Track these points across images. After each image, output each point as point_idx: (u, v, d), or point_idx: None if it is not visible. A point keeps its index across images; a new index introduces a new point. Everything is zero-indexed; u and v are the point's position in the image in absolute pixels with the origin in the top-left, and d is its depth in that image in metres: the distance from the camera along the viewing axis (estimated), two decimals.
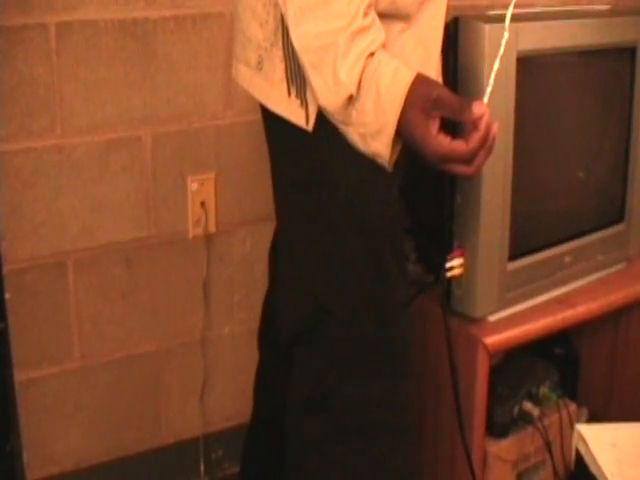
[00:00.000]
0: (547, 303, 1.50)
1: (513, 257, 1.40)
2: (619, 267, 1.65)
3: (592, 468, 1.21)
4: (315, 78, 0.98)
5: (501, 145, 1.32)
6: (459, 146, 0.95)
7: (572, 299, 1.52)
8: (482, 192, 1.31)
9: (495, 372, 1.44)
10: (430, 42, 1.08)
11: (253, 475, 1.48)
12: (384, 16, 1.01)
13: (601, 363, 1.79)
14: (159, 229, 1.65)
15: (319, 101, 0.99)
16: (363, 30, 0.96)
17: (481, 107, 0.93)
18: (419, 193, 1.46)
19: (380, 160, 1.01)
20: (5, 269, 1.51)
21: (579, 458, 1.25)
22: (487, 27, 1.25)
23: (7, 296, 1.51)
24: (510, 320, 1.43)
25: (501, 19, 1.14)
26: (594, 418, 1.75)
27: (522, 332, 1.42)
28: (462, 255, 1.36)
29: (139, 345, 1.69)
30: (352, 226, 1.07)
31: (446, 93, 0.95)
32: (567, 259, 1.52)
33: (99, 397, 1.66)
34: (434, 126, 0.95)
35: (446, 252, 1.36)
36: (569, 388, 1.71)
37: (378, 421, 1.14)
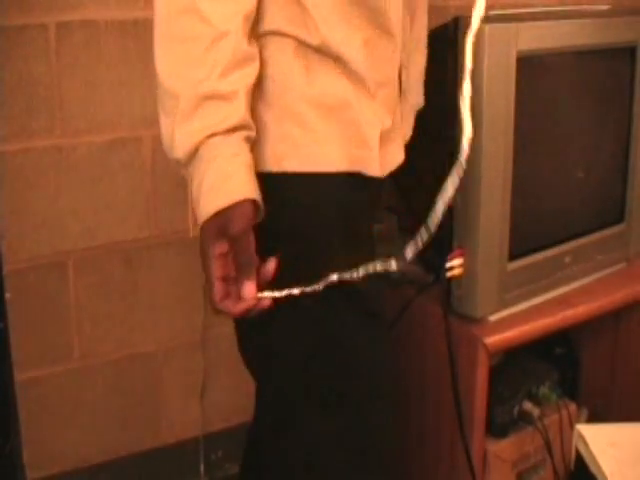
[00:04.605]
0: (547, 303, 1.50)
1: (513, 257, 1.40)
2: (619, 267, 1.65)
3: (592, 468, 1.21)
4: (161, 118, 0.89)
5: (501, 145, 1.32)
6: (215, 287, 0.87)
7: (572, 299, 1.52)
8: (482, 192, 1.31)
9: (495, 372, 1.44)
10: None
11: (253, 475, 1.48)
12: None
13: (601, 363, 1.79)
14: (159, 229, 1.65)
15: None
16: (214, 98, 0.85)
17: (251, 291, 0.88)
18: (419, 193, 1.46)
19: None
20: (5, 269, 1.51)
21: (579, 458, 1.25)
22: (487, 27, 1.25)
23: (7, 296, 1.52)
24: (510, 320, 1.42)
25: (501, 19, 1.15)
26: (594, 418, 1.75)
27: (522, 332, 1.42)
28: (462, 255, 1.36)
29: (139, 345, 1.69)
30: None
31: (247, 241, 0.88)
32: (567, 259, 1.52)
33: (99, 397, 1.66)
34: (219, 248, 0.87)
35: (446, 252, 1.36)
36: (569, 388, 1.71)
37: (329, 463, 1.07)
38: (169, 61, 0.87)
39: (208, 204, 0.85)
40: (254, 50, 0.90)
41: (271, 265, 0.90)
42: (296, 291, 0.90)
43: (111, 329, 1.64)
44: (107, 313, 1.63)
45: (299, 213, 0.99)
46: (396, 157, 1.09)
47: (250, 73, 0.89)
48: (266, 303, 0.89)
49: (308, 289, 0.90)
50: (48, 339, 1.58)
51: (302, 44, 0.94)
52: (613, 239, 1.62)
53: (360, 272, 0.88)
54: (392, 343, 1.16)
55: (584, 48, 1.45)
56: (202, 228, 0.87)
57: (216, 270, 0.87)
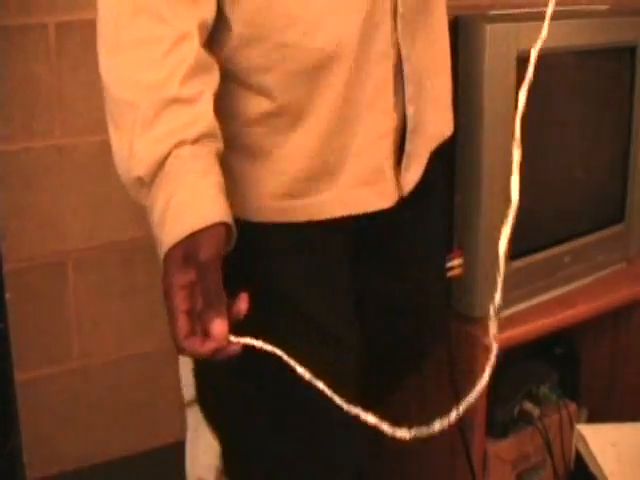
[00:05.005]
0: (547, 303, 1.50)
1: (513, 257, 1.40)
2: (619, 267, 1.65)
3: (592, 468, 1.21)
4: (112, 135, 0.80)
5: (501, 145, 1.32)
6: (180, 321, 0.74)
7: (572, 299, 1.52)
8: (482, 192, 1.31)
9: (495, 372, 1.44)
10: None
11: None
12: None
13: (601, 363, 1.79)
14: None
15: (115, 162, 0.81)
16: (178, 102, 0.77)
17: (222, 329, 0.73)
18: None
19: None
20: (5, 269, 1.50)
21: (579, 458, 1.25)
22: (487, 27, 1.25)
23: (7, 296, 1.51)
24: (510, 320, 1.42)
25: (501, 19, 1.15)
26: (594, 418, 1.75)
27: (522, 332, 1.42)
28: (462, 255, 1.36)
29: (139, 345, 1.69)
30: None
31: (217, 271, 0.75)
32: (567, 259, 1.52)
33: (99, 397, 1.66)
34: (186, 277, 0.74)
35: (446, 252, 1.36)
36: (569, 388, 1.71)
37: None
38: (121, 68, 0.80)
39: (177, 227, 0.75)
40: (214, 61, 0.84)
41: (242, 304, 0.76)
42: (269, 346, 0.75)
43: (111, 329, 1.64)
44: (107, 313, 1.63)
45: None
46: (334, 207, 0.98)
47: (212, 82, 0.83)
48: (236, 348, 0.76)
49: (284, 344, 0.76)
50: (48, 339, 1.58)
51: None
52: (613, 239, 1.62)
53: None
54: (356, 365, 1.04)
55: (584, 48, 1.45)
56: (167, 255, 0.76)
57: (180, 302, 0.74)
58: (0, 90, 1.44)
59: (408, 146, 1.03)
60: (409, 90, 1.00)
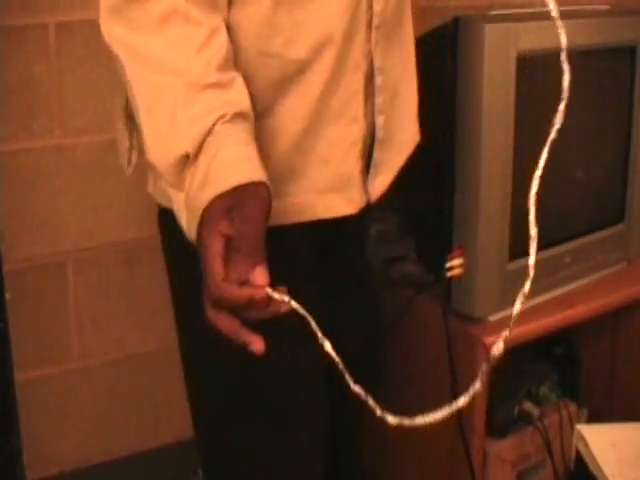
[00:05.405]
0: (547, 303, 1.50)
1: (513, 257, 1.40)
2: (619, 267, 1.65)
3: (592, 468, 1.21)
4: (145, 121, 0.81)
5: (501, 145, 1.32)
6: (216, 264, 0.73)
7: (572, 299, 1.52)
8: (482, 192, 1.31)
9: (495, 372, 1.44)
10: None
11: None
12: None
13: (601, 363, 1.79)
14: None
15: (148, 154, 0.81)
16: (215, 86, 0.80)
17: (263, 277, 0.73)
18: (418, 193, 1.46)
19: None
20: (5, 269, 1.51)
21: (579, 458, 1.25)
22: (487, 27, 1.25)
23: (7, 296, 1.52)
24: (510, 320, 1.42)
25: (500, 19, 1.15)
26: (594, 418, 1.75)
27: (522, 332, 1.41)
28: (462, 255, 1.36)
29: (139, 345, 1.69)
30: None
31: (262, 227, 0.76)
32: (567, 259, 1.52)
33: (99, 397, 1.66)
34: (226, 227, 0.74)
35: (446, 252, 1.36)
36: (569, 388, 1.71)
37: None
38: (157, 59, 0.80)
39: (221, 181, 0.76)
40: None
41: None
42: (301, 309, 0.74)
43: (111, 329, 1.64)
44: (107, 313, 1.63)
45: None
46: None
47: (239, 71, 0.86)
48: (283, 308, 0.74)
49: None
50: (48, 339, 1.58)
51: None
52: (613, 239, 1.62)
53: None
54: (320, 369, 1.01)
55: (584, 48, 1.45)
56: (210, 205, 0.75)
57: (219, 248, 0.73)
58: (0, 90, 1.44)
59: (376, 154, 1.06)
60: (379, 100, 1.03)
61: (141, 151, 0.94)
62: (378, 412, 0.73)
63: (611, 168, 1.61)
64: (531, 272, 0.73)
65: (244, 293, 0.72)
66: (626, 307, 1.62)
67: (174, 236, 0.85)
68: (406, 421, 0.73)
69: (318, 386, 1.05)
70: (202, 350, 1.04)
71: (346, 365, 0.74)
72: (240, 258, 0.73)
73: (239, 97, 0.82)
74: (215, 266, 0.72)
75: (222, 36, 0.83)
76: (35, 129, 1.49)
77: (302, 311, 0.74)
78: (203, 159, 0.78)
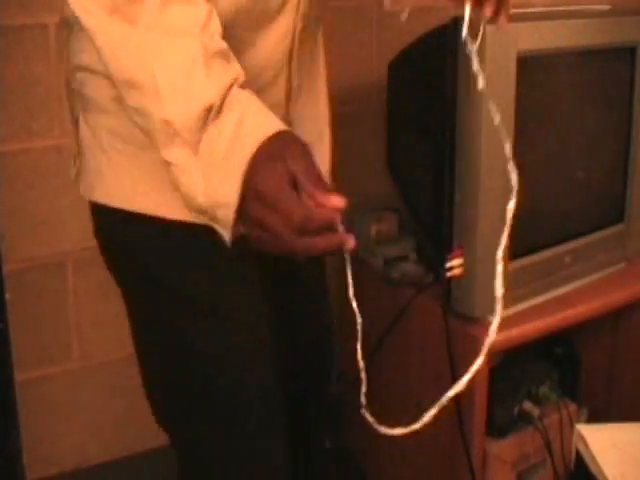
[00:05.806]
0: (547, 303, 1.50)
1: (513, 257, 1.40)
2: (619, 267, 1.65)
3: (592, 468, 1.21)
4: (161, 76, 0.77)
5: (500, 145, 1.32)
6: (288, 195, 0.75)
7: (572, 299, 1.52)
8: (481, 192, 1.31)
9: (495, 372, 1.44)
10: None
11: None
12: None
13: (601, 363, 1.79)
14: None
15: (163, 113, 0.78)
16: (224, 56, 0.81)
17: (339, 199, 0.75)
18: (418, 193, 1.46)
19: (221, 222, 0.80)
20: (5, 269, 1.51)
21: (579, 458, 1.25)
22: (487, 27, 1.25)
23: (7, 296, 1.51)
24: (510, 320, 1.42)
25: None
26: (594, 418, 1.75)
27: (522, 332, 1.42)
28: (462, 255, 1.36)
29: None
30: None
31: (313, 161, 0.78)
32: (567, 259, 1.52)
33: (99, 397, 1.66)
34: (285, 178, 0.76)
35: (446, 252, 1.36)
36: (569, 388, 1.71)
37: None
38: (165, 31, 0.79)
39: (264, 126, 0.78)
40: None
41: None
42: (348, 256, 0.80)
43: (110, 329, 1.64)
44: (106, 313, 1.63)
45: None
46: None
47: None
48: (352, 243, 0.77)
49: None
50: (48, 339, 1.58)
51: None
52: (613, 239, 1.62)
53: None
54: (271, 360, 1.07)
55: (584, 48, 1.45)
56: (255, 154, 0.76)
57: (283, 182, 0.75)
58: (0, 90, 1.44)
59: None
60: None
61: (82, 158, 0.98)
62: (375, 425, 0.74)
63: (611, 168, 1.61)
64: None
65: (328, 212, 0.75)
66: (626, 307, 1.62)
67: (112, 232, 0.94)
68: (397, 431, 0.74)
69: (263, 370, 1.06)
70: (146, 338, 1.14)
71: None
72: (309, 188, 0.75)
73: (240, 70, 0.82)
74: (292, 196, 0.75)
75: (216, 18, 0.83)
76: (35, 129, 1.49)
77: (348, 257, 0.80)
78: (229, 114, 0.77)
